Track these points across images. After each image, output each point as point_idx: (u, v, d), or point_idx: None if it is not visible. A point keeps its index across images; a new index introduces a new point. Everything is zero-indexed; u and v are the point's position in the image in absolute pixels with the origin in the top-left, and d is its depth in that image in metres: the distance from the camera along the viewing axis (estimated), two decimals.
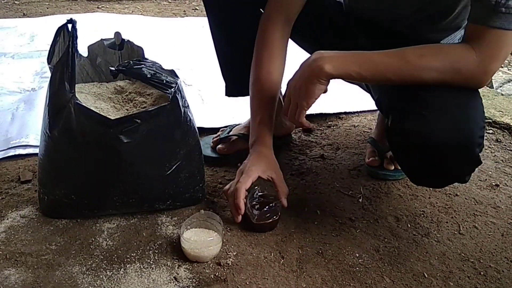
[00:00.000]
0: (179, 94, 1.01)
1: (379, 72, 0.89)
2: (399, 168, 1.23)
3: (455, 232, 1.05)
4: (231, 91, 1.31)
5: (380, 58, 0.89)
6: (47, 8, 2.87)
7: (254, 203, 1.03)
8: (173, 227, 1.03)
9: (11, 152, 1.28)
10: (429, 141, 0.85)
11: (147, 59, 1.07)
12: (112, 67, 1.00)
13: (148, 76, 0.99)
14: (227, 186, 1.05)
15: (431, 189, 1.20)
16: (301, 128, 1.48)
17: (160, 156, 1.00)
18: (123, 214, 1.05)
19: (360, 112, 1.64)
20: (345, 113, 1.62)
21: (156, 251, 0.95)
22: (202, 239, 0.94)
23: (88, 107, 0.96)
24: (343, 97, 1.64)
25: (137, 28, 2.42)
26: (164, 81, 1.00)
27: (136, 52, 1.15)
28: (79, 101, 0.95)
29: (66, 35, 1.05)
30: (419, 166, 0.92)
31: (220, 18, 1.19)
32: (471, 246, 1.01)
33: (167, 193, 1.04)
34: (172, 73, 1.05)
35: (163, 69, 1.05)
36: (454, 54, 0.87)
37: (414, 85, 0.89)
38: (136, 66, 1.00)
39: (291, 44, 1.18)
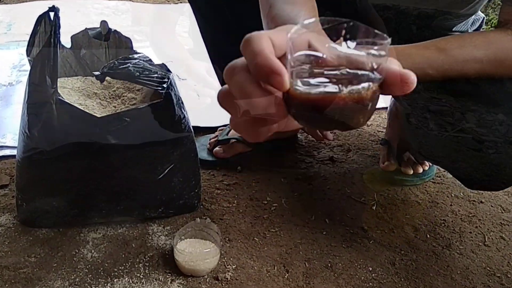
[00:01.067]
0: (172, 90, 1.01)
1: (417, 67, 0.84)
2: (419, 172, 1.23)
3: (480, 244, 1.05)
4: None
5: (418, 52, 0.85)
6: None
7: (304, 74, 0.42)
8: (166, 237, 1.02)
9: None
10: (490, 140, 0.84)
11: (135, 52, 1.07)
12: (96, 71, 1.00)
13: (136, 74, 0.99)
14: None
15: (453, 195, 1.20)
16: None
17: (151, 159, 1.00)
18: (110, 222, 1.05)
19: None
20: None
21: (147, 264, 0.95)
22: (197, 251, 0.94)
23: (72, 103, 0.96)
24: None
25: (126, 16, 2.42)
26: (155, 78, 1.00)
27: (124, 44, 1.15)
28: (62, 97, 0.95)
29: (47, 24, 1.04)
30: (478, 170, 0.91)
31: (204, 9, 1.14)
32: (498, 259, 1.01)
33: (159, 199, 1.04)
34: (163, 67, 1.05)
35: (153, 63, 1.04)
36: (496, 43, 0.85)
37: (450, 80, 0.86)
38: (121, 66, 1.00)
39: None
